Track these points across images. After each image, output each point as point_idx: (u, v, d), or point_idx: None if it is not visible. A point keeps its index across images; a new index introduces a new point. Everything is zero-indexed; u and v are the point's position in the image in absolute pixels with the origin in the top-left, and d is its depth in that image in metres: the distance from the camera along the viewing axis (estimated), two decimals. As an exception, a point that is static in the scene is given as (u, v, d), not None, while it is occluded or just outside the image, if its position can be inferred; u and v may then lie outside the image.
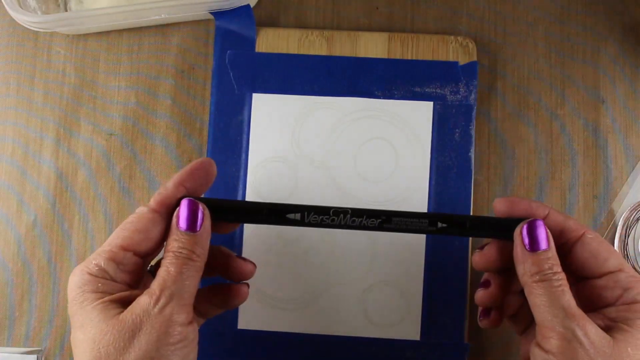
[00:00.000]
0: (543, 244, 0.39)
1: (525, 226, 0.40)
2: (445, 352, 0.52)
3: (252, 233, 0.54)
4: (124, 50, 0.57)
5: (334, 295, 0.54)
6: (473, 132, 0.54)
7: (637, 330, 0.37)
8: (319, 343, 0.53)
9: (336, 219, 0.39)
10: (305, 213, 0.39)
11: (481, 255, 0.43)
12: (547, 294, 0.38)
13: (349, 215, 0.40)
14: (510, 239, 0.41)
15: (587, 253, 0.40)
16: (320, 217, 0.39)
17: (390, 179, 0.54)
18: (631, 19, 0.57)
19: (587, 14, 0.57)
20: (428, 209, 0.54)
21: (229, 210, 0.41)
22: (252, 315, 0.53)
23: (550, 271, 0.38)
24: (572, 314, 0.37)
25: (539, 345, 0.38)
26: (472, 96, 0.55)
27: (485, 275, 0.45)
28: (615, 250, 0.41)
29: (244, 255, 0.54)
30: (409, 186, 0.54)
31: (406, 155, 0.54)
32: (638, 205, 0.54)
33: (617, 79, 0.57)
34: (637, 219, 0.54)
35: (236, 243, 0.54)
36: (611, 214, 0.55)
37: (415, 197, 0.54)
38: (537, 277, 0.38)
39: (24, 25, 0.52)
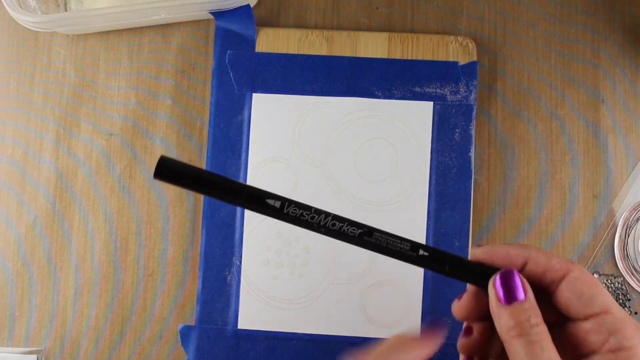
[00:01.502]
0: (518, 295, 0.36)
1: (497, 277, 0.37)
2: (445, 352, 0.52)
3: (252, 232, 0.54)
4: (124, 50, 0.57)
5: (334, 295, 0.54)
6: (473, 132, 0.54)
7: None
8: (319, 343, 0.53)
9: (316, 217, 0.38)
10: (286, 203, 0.38)
11: (459, 306, 0.40)
12: (525, 350, 0.34)
13: (329, 218, 0.38)
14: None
15: (570, 293, 0.36)
16: (301, 211, 0.38)
17: (390, 179, 0.54)
18: (631, 18, 0.57)
19: (587, 14, 0.57)
20: (428, 208, 0.54)
21: (206, 184, 0.37)
22: (252, 315, 0.53)
23: (527, 323, 0.35)
24: None
25: None
26: (472, 96, 0.55)
27: (467, 322, 0.41)
28: (602, 288, 0.36)
29: (243, 254, 0.54)
30: (409, 186, 0.54)
31: (406, 155, 0.54)
32: (638, 205, 0.54)
33: (617, 79, 0.56)
34: (637, 219, 0.54)
35: (236, 242, 0.54)
36: (611, 214, 0.55)
37: (415, 197, 0.54)
38: (514, 332, 0.35)
39: (24, 25, 0.52)
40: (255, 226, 0.54)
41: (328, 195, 0.54)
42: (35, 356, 0.54)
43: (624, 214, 0.54)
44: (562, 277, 0.37)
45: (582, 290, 0.36)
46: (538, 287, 0.37)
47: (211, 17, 0.56)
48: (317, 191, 0.54)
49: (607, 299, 0.36)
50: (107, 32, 0.58)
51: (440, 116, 0.55)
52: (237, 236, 0.54)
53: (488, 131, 0.56)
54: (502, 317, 0.36)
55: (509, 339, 0.35)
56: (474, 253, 0.39)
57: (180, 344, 0.53)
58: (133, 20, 0.55)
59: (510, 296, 0.36)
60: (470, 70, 0.55)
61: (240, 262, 0.54)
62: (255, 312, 0.53)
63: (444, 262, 0.38)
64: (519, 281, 0.36)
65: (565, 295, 0.36)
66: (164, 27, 0.58)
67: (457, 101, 0.55)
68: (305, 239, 0.54)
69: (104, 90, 0.57)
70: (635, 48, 0.57)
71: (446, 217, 0.54)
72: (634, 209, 0.54)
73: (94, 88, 0.57)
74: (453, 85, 0.55)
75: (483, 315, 0.39)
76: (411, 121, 0.55)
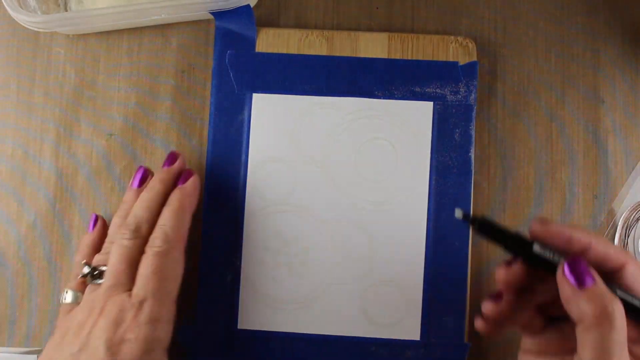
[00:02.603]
0: (587, 281, 0.37)
1: (566, 265, 0.38)
2: (445, 352, 0.53)
3: (252, 233, 0.54)
4: (124, 51, 0.57)
5: (334, 295, 0.54)
6: (473, 132, 0.54)
7: None
8: (318, 343, 0.53)
9: None
10: None
11: (507, 273, 0.41)
12: (597, 337, 0.36)
13: None
14: (539, 266, 0.40)
15: (626, 287, 0.38)
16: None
17: (390, 179, 0.54)
18: (631, 20, 0.57)
19: (587, 15, 0.57)
20: (428, 209, 0.54)
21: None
22: (251, 316, 0.53)
23: (608, 309, 0.36)
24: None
25: None
26: (472, 96, 0.55)
27: (499, 288, 0.43)
28: None
29: (243, 254, 0.54)
30: (408, 186, 0.54)
31: (406, 156, 0.54)
32: (638, 205, 0.54)
33: (616, 79, 0.57)
34: (637, 219, 0.54)
35: (236, 243, 0.54)
36: (611, 214, 0.55)
37: (415, 198, 0.54)
38: (593, 320, 0.36)
39: (24, 25, 0.52)
40: (255, 227, 0.54)
41: (328, 195, 0.54)
42: (35, 356, 0.54)
43: (624, 214, 0.55)
44: (619, 269, 0.38)
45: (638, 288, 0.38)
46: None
47: (211, 17, 0.56)
48: (317, 191, 0.54)
49: None
50: (107, 32, 0.58)
51: (440, 116, 0.55)
52: (236, 236, 0.54)
53: (488, 131, 0.56)
54: (580, 302, 0.37)
55: (587, 325, 0.36)
56: (535, 230, 0.40)
57: (179, 342, 0.53)
58: (133, 21, 0.55)
59: (580, 283, 0.37)
60: (470, 70, 0.55)
61: (240, 262, 0.54)
62: (254, 313, 0.53)
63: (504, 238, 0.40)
64: (586, 268, 0.37)
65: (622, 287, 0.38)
66: (164, 27, 0.58)
67: (457, 101, 0.55)
68: (304, 240, 0.54)
69: (104, 90, 0.57)
70: (635, 49, 0.57)
71: (446, 217, 0.54)
72: (634, 209, 0.54)
73: (94, 88, 0.57)
74: (453, 85, 0.55)
75: (521, 287, 0.41)
76: (411, 121, 0.55)
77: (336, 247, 0.54)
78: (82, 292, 0.48)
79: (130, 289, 0.45)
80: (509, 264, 0.41)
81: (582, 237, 0.39)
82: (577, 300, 0.37)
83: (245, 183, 0.54)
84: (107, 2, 0.55)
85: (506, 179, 0.56)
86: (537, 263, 0.39)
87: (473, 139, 0.54)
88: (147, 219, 0.48)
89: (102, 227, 0.54)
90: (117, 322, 0.43)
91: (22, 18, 0.51)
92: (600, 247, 0.39)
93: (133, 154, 0.56)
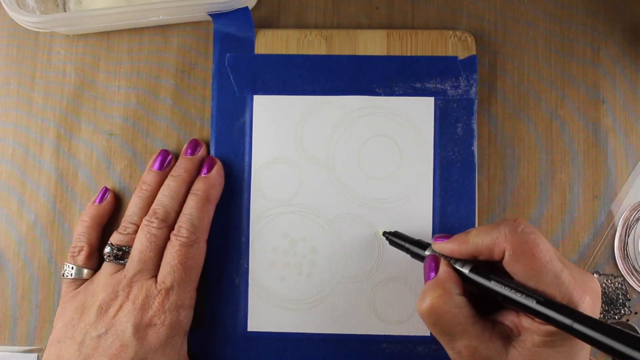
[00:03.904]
0: (430, 276, 0.45)
1: (425, 262, 0.46)
2: None
3: (258, 234, 0.54)
4: (124, 51, 0.57)
5: (343, 294, 0.54)
6: (475, 126, 0.54)
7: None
8: (329, 342, 0.53)
9: None
10: None
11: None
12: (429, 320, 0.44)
13: None
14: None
15: (510, 272, 0.42)
16: None
17: (395, 175, 0.54)
18: (632, 18, 0.57)
19: (587, 14, 0.57)
20: (433, 204, 0.54)
21: None
22: (262, 317, 0.54)
23: (436, 300, 0.42)
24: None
25: None
26: (473, 90, 0.55)
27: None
28: (533, 262, 0.40)
29: (251, 256, 0.54)
30: (413, 182, 0.54)
31: (409, 152, 0.54)
32: (638, 205, 0.55)
33: (617, 78, 0.57)
34: (637, 219, 0.54)
35: (243, 245, 0.54)
36: (611, 214, 0.55)
37: (420, 193, 0.54)
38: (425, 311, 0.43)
39: (22, 25, 0.52)
40: (261, 228, 0.54)
41: (333, 194, 0.54)
42: (35, 355, 0.55)
43: (624, 214, 0.55)
44: (501, 257, 0.42)
45: (514, 272, 0.41)
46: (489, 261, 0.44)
47: (211, 18, 0.55)
48: (321, 190, 0.54)
49: (538, 275, 0.40)
50: (107, 32, 0.57)
51: (442, 111, 0.55)
52: (243, 239, 0.54)
53: (488, 131, 0.56)
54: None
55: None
56: (441, 248, 0.46)
57: (189, 348, 0.53)
58: (131, 22, 0.55)
59: (425, 278, 0.45)
60: (469, 64, 0.55)
61: (248, 264, 0.54)
62: (264, 314, 0.54)
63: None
64: (429, 265, 0.45)
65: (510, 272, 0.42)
66: (164, 27, 0.57)
67: (458, 95, 0.55)
68: (311, 240, 0.54)
69: (104, 90, 0.57)
70: (636, 48, 0.57)
71: (452, 212, 0.54)
72: (634, 209, 0.55)
73: (94, 88, 0.57)
74: (453, 79, 0.55)
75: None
76: (413, 117, 0.55)
77: (343, 246, 0.54)
78: (86, 267, 0.52)
79: (155, 275, 0.49)
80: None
81: (462, 249, 0.44)
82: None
83: (249, 185, 0.54)
84: (105, 3, 0.55)
85: (506, 179, 0.56)
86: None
87: (475, 133, 0.54)
88: (174, 208, 0.51)
89: (111, 201, 0.55)
90: (144, 308, 0.47)
91: (20, 18, 0.51)
92: (484, 246, 0.42)
93: (133, 154, 0.56)
